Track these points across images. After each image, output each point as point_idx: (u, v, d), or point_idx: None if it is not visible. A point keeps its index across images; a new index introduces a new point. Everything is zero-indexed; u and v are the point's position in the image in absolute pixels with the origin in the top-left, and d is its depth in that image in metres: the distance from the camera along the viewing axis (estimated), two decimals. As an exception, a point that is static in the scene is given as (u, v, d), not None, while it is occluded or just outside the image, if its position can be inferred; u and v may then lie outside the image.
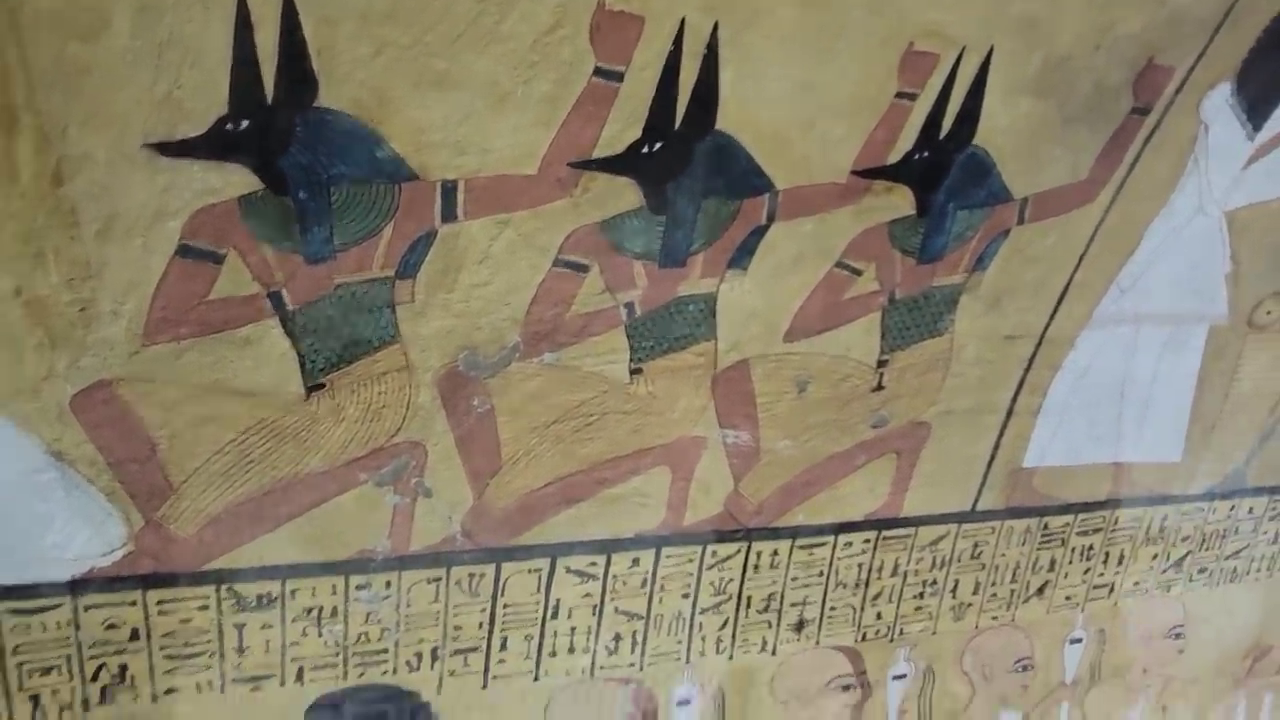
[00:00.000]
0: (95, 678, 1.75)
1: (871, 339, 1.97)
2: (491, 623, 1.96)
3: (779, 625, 2.22)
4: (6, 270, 1.38)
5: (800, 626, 2.23)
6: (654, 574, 2.05)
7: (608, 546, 2.00)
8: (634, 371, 1.81)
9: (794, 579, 2.18)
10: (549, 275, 1.69)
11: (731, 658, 2.20)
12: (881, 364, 1.99)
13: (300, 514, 1.75)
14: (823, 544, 2.17)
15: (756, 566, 2.13)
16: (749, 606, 2.16)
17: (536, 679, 2.04)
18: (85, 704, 1.76)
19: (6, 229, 1.34)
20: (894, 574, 2.28)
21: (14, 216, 1.35)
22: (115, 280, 1.45)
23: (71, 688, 1.73)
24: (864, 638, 2.32)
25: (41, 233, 1.38)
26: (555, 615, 2.01)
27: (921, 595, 2.33)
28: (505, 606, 1.96)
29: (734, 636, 2.18)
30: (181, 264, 1.47)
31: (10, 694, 1.70)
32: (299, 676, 1.87)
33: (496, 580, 1.93)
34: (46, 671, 1.71)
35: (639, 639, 2.09)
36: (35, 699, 1.72)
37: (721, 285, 1.80)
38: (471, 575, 1.91)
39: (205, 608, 1.76)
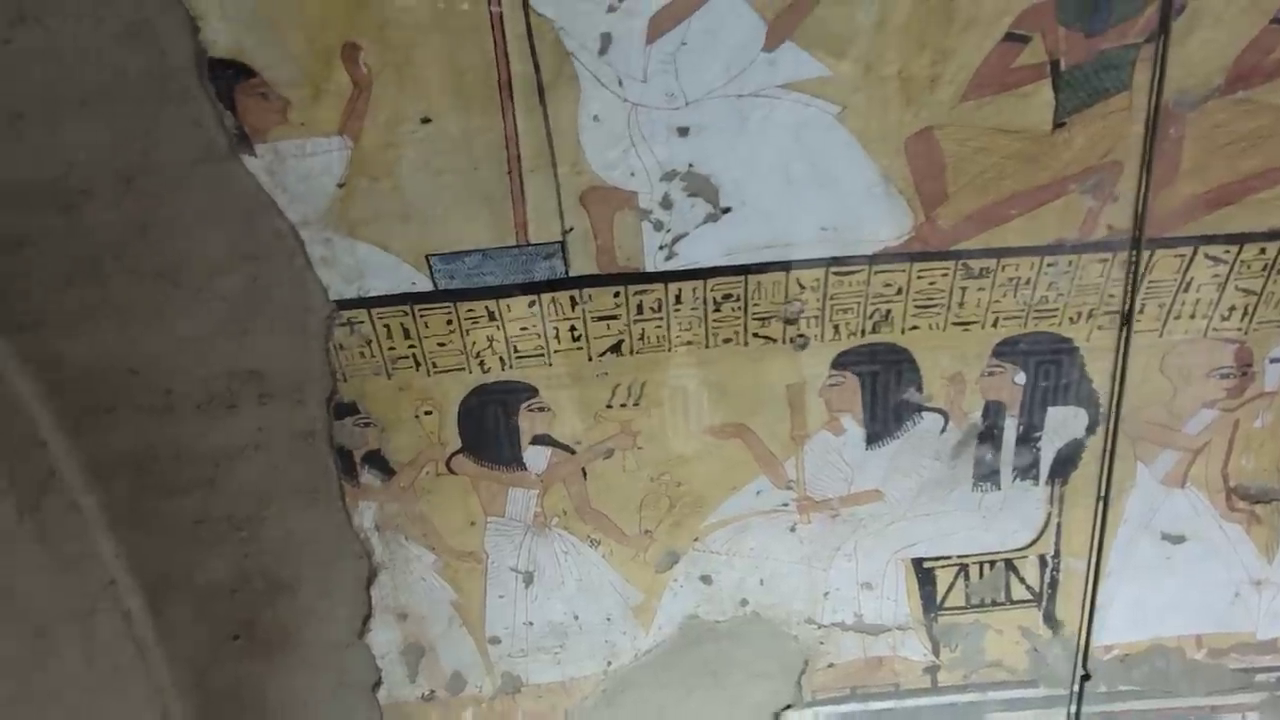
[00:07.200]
0: (871, 317, 2.86)
1: None
2: (1134, 292, 2.79)
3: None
4: (900, 50, 2.25)
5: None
6: (1275, 261, 2.73)
7: (1240, 239, 2.69)
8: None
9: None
10: (1263, 30, 2.26)
11: (1329, 326, 2.88)
12: None
13: (1023, 214, 2.63)
14: None
15: (1366, 256, 2.72)
16: (1353, 286, 2.79)
17: (1160, 335, 2.89)
18: (862, 332, 2.90)
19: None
20: None
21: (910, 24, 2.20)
22: (958, 60, 2.29)
23: (858, 322, 2.87)
24: None
25: (922, 27, 2.23)
26: (1186, 289, 2.79)
27: None
28: (1150, 282, 2.77)
29: (1335, 309, 2.84)
30: (1003, 46, 2.27)
31: (824, 323, 2.88)
32: (995, 323, 2.87)
33: (1147, 262, 2.74)
34: (845, 311, 2.85)
35: (1250, 310, 2.83)
36: (836, 328, 2.89)
37: None
38: (1129, 259, 2.73)
39: (945, 275, 2.77)
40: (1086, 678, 3.14)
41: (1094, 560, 3.00)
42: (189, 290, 2.62)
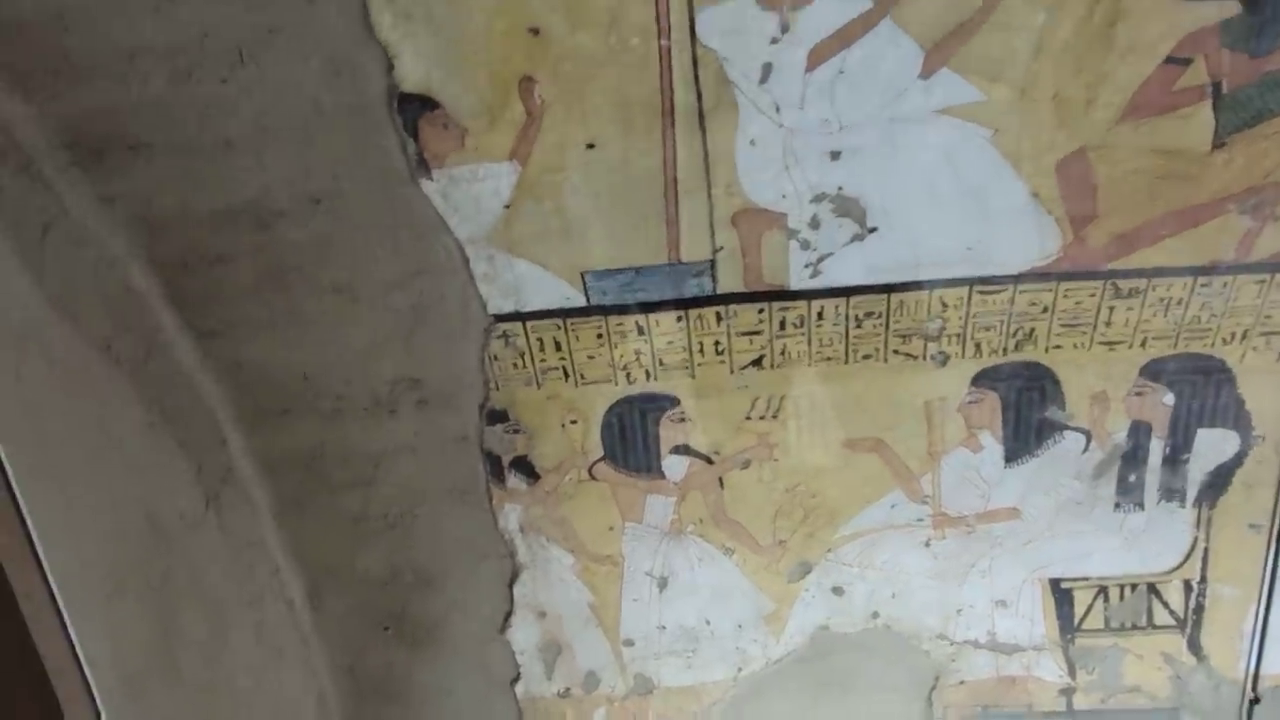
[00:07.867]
0: (1014, 335, 2.90)
1: None
2: (1296, 314, 2.75)
3: None
4: (1056, 75, 2.30)
5: None
6: None
7: None
8: None
9: None
10: None
11: None
12: None
13: (1175, 235, 2.64)
14: None
15: None
16: None
17: (1320, 357, 2.84)
18: (1004, 350, 2.93)
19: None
20: None
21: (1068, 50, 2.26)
22: (1115, 83, 2.33)
23: (1000, 340, 2.91)
24: None
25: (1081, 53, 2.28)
26: (1350, 311, 2.74)
27: None
28: (1309, 303, 2.73)
29: None
30: (1163, 69, 2.30)
31: (965, 341, 2.93)
32: (1143, 343, 2.87)
33: (1309, 283, 2.70)
34: (987, 329, 2.89)
35: None
36: (978, 345, 2.93)
37: None
38: (1301, 280, 2.69)
39: (1093, 295, 2.78)
40: (1256, 701, 3.09)
41: (1267, 586, 2.96)
42: (363, 303, 2.85)
